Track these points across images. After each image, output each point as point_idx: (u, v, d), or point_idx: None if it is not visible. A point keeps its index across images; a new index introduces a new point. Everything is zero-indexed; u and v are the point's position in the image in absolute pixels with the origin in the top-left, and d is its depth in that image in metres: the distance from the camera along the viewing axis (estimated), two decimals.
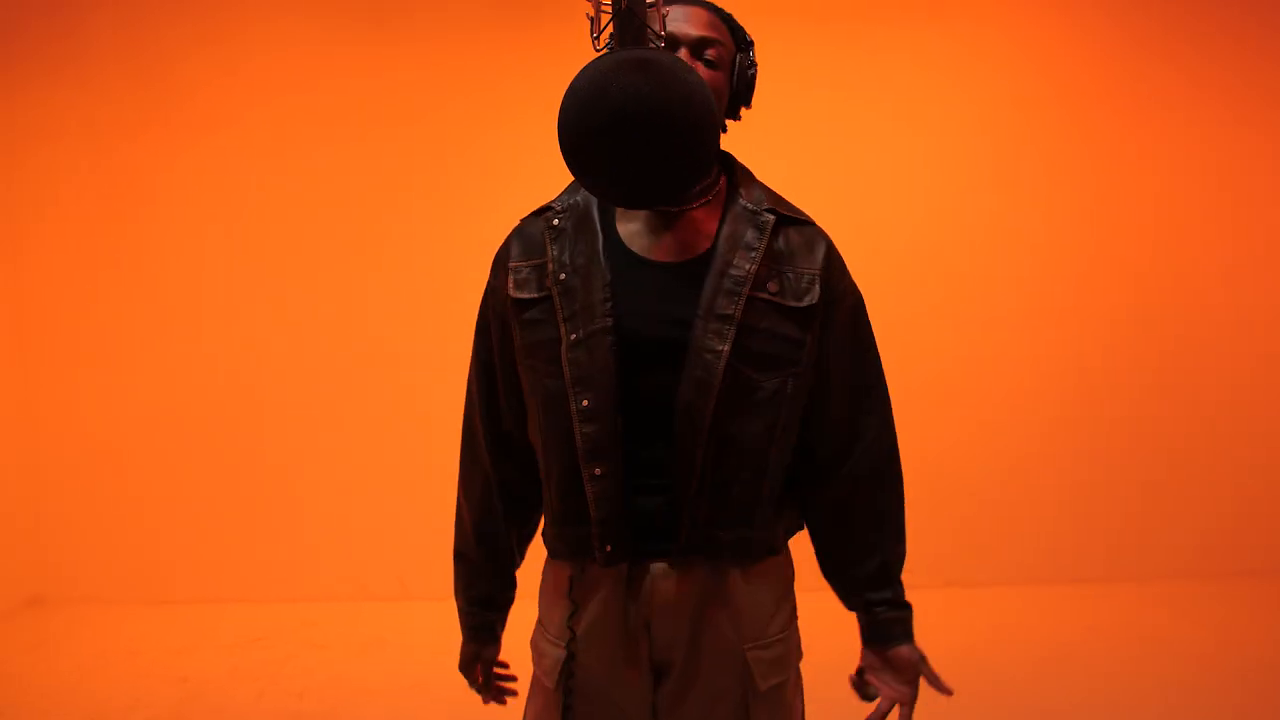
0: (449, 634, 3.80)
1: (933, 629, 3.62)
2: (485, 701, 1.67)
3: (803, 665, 1.52)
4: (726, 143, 1.47)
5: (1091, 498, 4.30)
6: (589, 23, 1.24)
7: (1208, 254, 4.28)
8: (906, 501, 1.53)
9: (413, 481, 4.21)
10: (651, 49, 1.19)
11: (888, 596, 1.46)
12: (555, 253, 1.35)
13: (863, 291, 1.44)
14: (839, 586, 1.53)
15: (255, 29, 4.21)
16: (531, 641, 1.52)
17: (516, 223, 1.46)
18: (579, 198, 1.39)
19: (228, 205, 4.26)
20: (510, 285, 1.39)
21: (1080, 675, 3.34)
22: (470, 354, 1.55)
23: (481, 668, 1.62)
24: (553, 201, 1.42)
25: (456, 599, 1.63)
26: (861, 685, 1.50)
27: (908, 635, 1.46)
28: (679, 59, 1.20)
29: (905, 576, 1.51)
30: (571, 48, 2.02)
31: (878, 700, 1.47)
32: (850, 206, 4.18)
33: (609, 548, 1.34)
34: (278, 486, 4.28)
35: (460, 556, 1.61)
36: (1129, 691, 3.19)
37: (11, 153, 4.25)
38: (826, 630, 2.07)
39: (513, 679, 1.66)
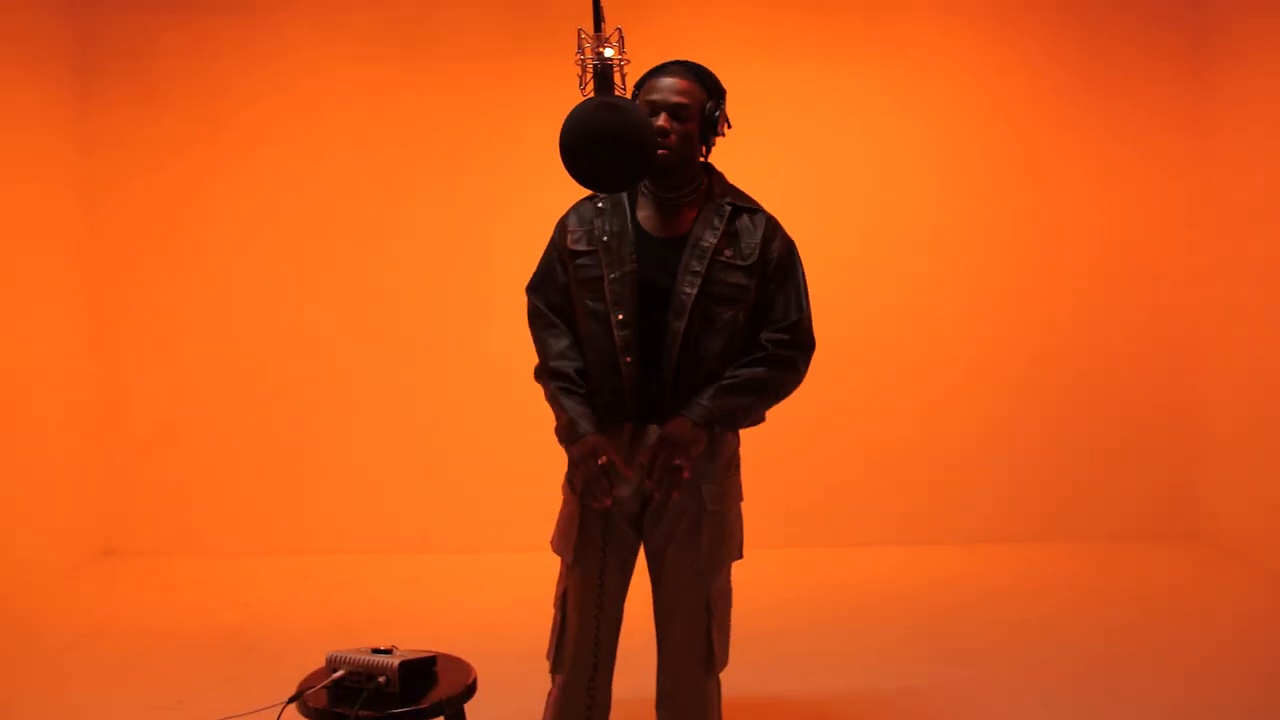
0: (468, 579, 4.44)
1: (890, 580, 4.20)
2: (595, 498, 2.03)
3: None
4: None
5: (1032, 469, 4.84)
6: (577, 77, 1.89)
7: (1136, 255, 4.81)
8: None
9: (435, 452, 4.83)
10: (616, 96, 1.84)
11: (697, 404, 2.05)
12: (600, 223, 2.10)
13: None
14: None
15: (297, 57, 4.81)
16: (564, 483, 2.23)
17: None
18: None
19: (272, 208, 4.85)
20: (569, 241, 2.13)
21: (1018, 621, 3.83)
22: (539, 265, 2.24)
23: (605, 448, 2.02)
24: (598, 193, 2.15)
25: (560, 423, 2.11)
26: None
27: (691, 417, 2.03)
28: (634, 103, 1.86)
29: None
30: (568, 80, 2.66)
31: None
32: (826, 212, 4.73)
33: (631, 409, 2.08)
34: (318, 455, 4.87)
35: (550, 386, 2.14)
36: (1057, 633, 3.68)
37: (87, 162, 4.85)
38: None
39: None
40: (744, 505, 2.26)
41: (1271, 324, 4.37)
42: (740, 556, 2.24)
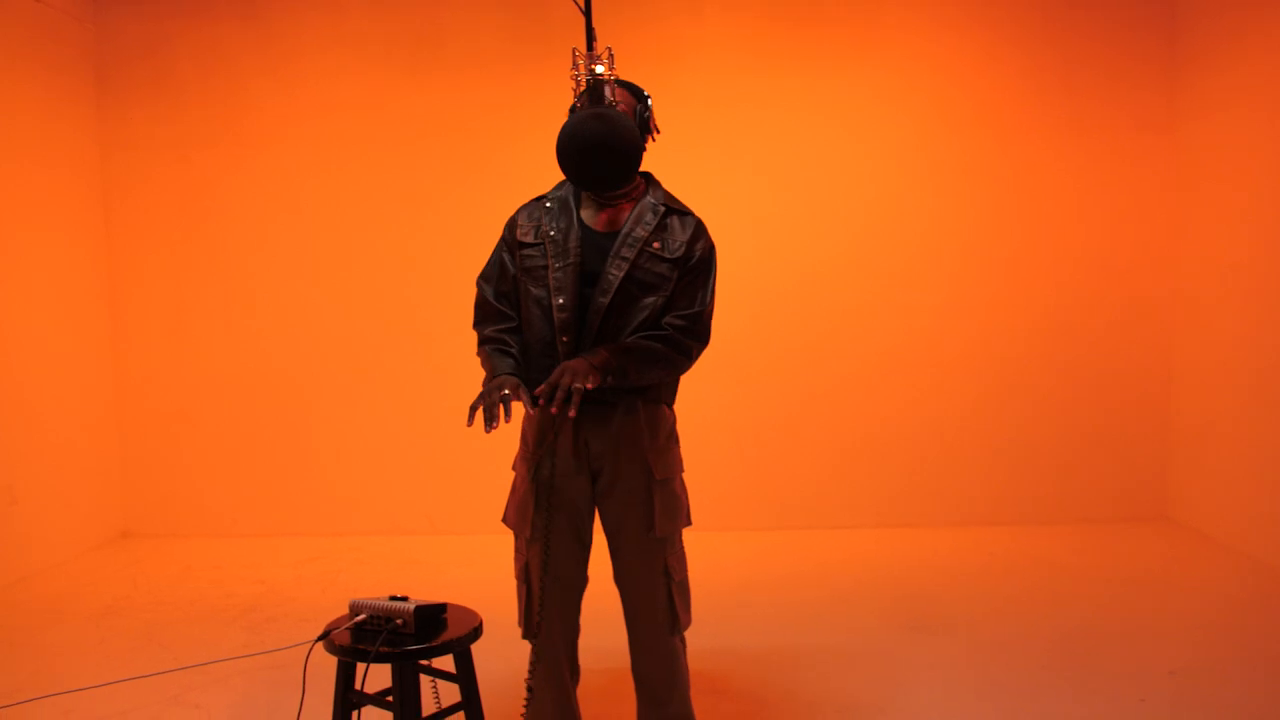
0: (470, 557, 4.61)
1: (868, 560, 4.41)
2: (493, 421, 2.05)
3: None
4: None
5: (1008, 456, 5.07)
6: (572, 90, 2.12)
7: (1112, 249, 5.03)
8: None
9: (438, 438, 5.04)
10: (606, 107, 2.08)
11: (599, 351, 2.19)
12: (547, 220, 2.32)
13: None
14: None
15: (309, 60, 5.04)
16: (513, 464, 2.42)
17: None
18: (561, 193, 2.37)
19: (281, 205, 5.09)
20: (518, 234, 2.35)
21: (990, 597, 4.05)
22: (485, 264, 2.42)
23: (512, 386, 2.11)
24: (547, 194, 2.38)
25: (488, 370, 2.26)
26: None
27: (590, 359, 2.15)
28: (622, 113, 2.09)
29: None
30: (564, 86, 2.91)
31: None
32: (814, 210, 5.00)
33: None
34: (327, 441, 5.11)
35: (484, 349, 2.33)
36: (1028, 608, 3.88)
37: (105, 160, 5.08)
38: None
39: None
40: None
41: (1239, 315, 4.57)
42: (689, 523, 2.44)
